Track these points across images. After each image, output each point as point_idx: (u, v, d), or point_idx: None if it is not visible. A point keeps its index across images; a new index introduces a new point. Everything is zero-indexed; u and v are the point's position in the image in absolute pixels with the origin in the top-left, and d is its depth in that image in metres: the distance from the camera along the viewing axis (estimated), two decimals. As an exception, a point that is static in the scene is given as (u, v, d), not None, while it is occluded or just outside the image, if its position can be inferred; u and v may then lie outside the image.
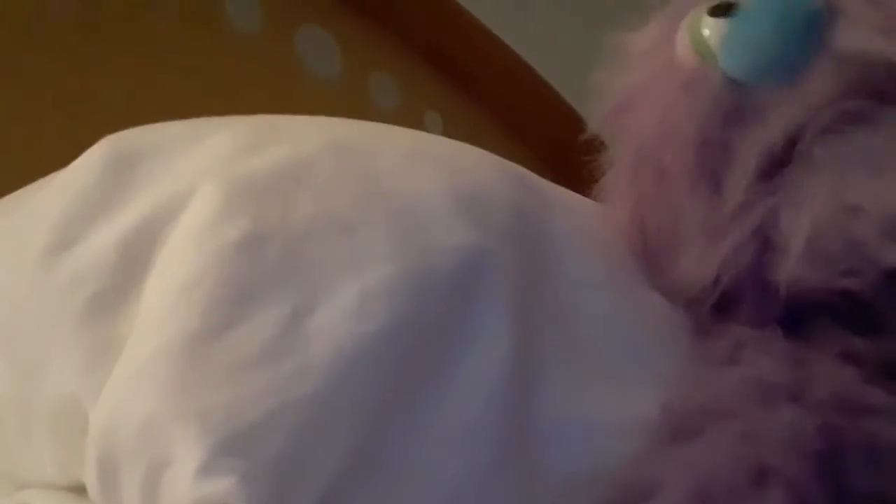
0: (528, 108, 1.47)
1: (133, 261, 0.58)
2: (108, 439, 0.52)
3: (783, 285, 0.61)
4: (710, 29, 0.66)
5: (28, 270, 0.60)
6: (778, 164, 0.63)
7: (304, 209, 0.58)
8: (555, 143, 1.41)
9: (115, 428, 0.52)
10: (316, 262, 0.56)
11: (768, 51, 0.65)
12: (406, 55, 1.40)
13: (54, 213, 0.61)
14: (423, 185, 0.62)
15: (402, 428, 0.53)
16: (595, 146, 0.75)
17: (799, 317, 0.62)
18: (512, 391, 0.56)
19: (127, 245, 0.59)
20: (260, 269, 0.55)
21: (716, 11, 0.67)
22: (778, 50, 0.65)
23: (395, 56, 1.39)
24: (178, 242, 0.58)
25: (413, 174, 0.63)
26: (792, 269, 0.60)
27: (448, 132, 1.34)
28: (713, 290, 0.64)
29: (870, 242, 0.59)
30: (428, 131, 1.33)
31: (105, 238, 0.59)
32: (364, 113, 0.76)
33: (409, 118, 1.33)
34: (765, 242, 0.62)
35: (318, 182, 0.60)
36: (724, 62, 0.65)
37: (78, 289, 0.58)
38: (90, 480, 0.54)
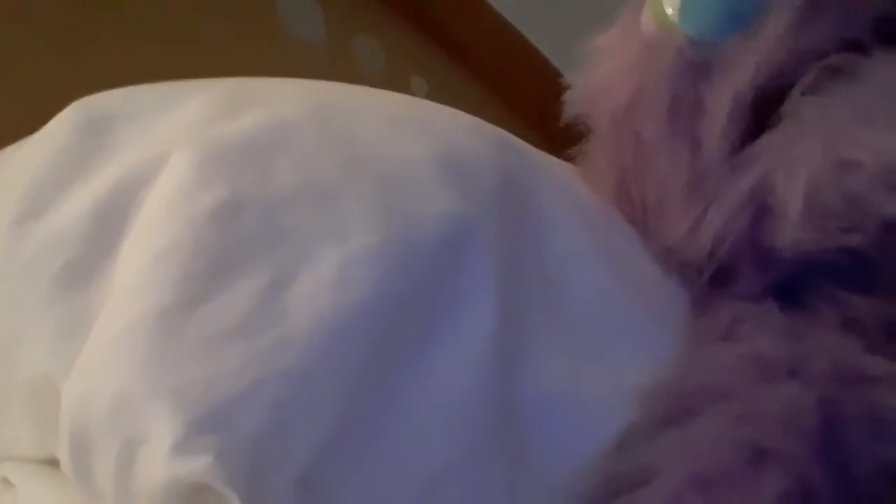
0: (515, 72, 1.46)
1: (106, 229, 0.56)
2: (80, 416, 0.51)
3: (784, 249, 0.60)
4: (670, 3, 0.67)
5: None
6: (754, 119, 0.63)
7: (283, 175, 0.56)
8: (541, 107, 1.40)
9: (87, 404, 0.50)
10: (295, 230, 0.54)
11: (722, 4, 0.66)
12: (390, 19, 1.39)
13: (23, 182, 0.59)
14: (407, 150, 0.60)
15: (386, 401, 0.52)
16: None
17: (797, 284, 0.61)
18: (498, 364, 0.54)
19: (99, 213, 0.57)
20: (237, 238, 0.53)
21: None
22: (731, 2, 0.65)
23: (380, 20, 1.38)
24: (152, 210, 0.56)
25: (396, 139, 0.61)
26: (791, 231, 0.59)
27: (434, 97, 1.33)
28: (710, 261, 0.63)
29: (868, 195, 0.58)
30: (413, 96, 1.32)
31: (76, 206, 0.57)
32: (348, 78, 0.74)
33: (394, 83, 1.32)
34: (760, 208, 0.61)
35: (297, 147, 0.58)
36: (683, 24, 0.66)
37: (49, 258, 0.56)
38: (63, 457, 0.53)
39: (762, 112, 0.64)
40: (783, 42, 0.63)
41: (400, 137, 0.61)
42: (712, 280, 0.64)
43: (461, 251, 0.56)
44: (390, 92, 0.71)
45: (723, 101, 0.64)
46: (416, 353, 0.53)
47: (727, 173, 0.63)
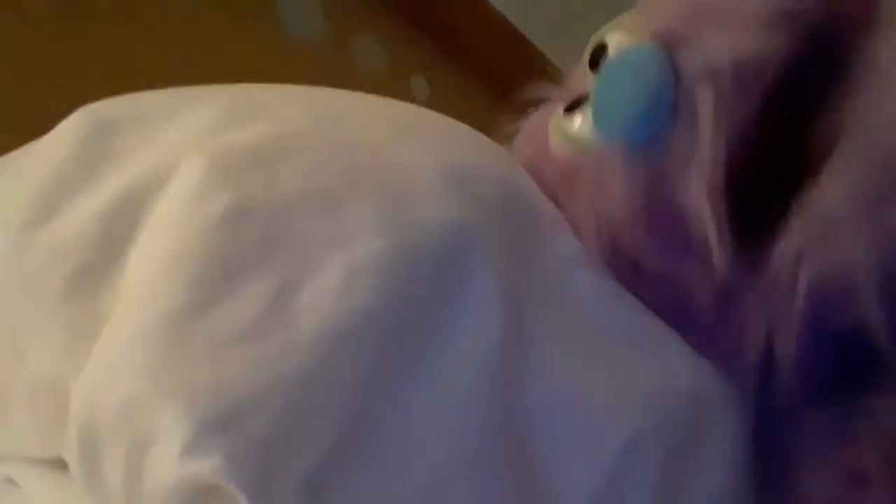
0: (515, 71, 1.46)
1: (115, 234, 0.57)
2: (89, 417, 0.51)
3: (872, 324, 0.58)
4: (575, 125, 0.67)
5: (4, 247, 0.58)
6: (750, 205, 0.61)
7: (290, 183, 0.57)
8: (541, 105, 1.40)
9: (97, 406, 0.51)
10: (302, 236, 0.55)
11: (638, 102, 0.63)
12: (390, 18, 1.39)
13: (30, 188, 0.59)
14: (412, 159, 0.60)
15: (392, 406, 0.52)
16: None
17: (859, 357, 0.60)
18: (503, 369, 0.55)
19: (108, 218, 0.57)
20: (245, 244, 0.54)
21: (571, 107, 0.67)
22: (646, 96, 0.62)
23: (380, 19, 1.38)
24: (161, 216, 0.56)
25: (401, 148, 0.62)
26: (876, 309, 0.58)
27: (434, 96, 1.33)
28: (767, 367, 0.61)
29: None
30: (414, 95, 1.32)
31: (85, 211, 0.58)
32: (349, 77, 0.74)
33: (394, 82, 1.32)
34: (822, 302, 0.59)
35: (303, 155, 0.59)
36: (604, 138, 0.64)
37: (57, 264, 0.56)
38: (71, 459, 0.53)
39: (762, 195, 0.61)
40: (725, 116, 0.60)
41: (405, 146, 0.62)
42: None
43: (466, 258, 0.57)
44: (395, 101, 0.72)
45: (701, 199, 0.60)
46: (423, 358, 0.54)
47: (769, 278, 0.60)
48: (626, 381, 0.59)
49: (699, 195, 0.60)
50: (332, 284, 0.53)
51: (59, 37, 1.04)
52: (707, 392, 0.63)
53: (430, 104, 0.72)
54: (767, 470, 0.64)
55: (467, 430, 0.53)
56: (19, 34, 1.01)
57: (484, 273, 0.57)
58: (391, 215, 0.56)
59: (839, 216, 0.59)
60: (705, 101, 0.61)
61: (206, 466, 0.47)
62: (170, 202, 0.56)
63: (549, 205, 0.66)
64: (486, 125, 0.72)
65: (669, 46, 0.63)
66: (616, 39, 0.67)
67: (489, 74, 1.43)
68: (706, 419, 0.63)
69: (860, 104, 0.60)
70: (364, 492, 0.51)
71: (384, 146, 0.61)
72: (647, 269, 0.63)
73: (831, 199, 0.59)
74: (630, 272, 0.64)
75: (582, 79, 0.69)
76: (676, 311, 0.63)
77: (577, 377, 0.58)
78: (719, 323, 0.63)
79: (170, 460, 0.48)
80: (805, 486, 0.61)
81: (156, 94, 0.66)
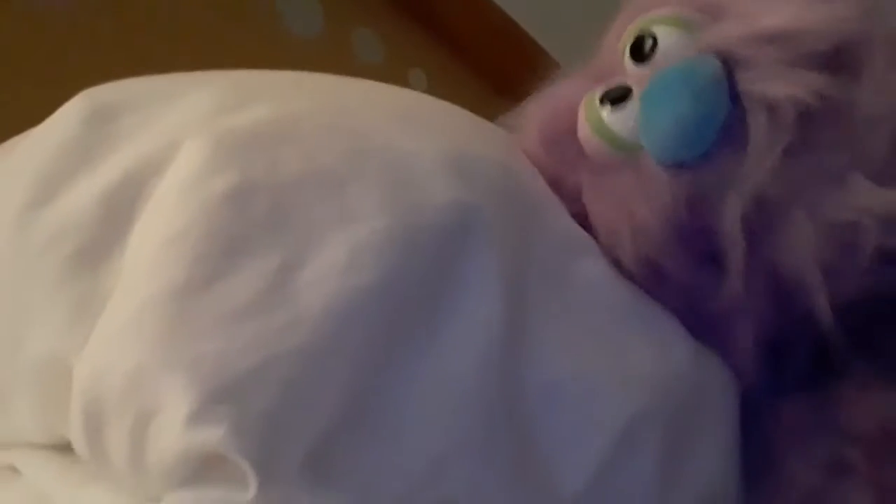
0: (514, 65, 1.46)
1: (116, 215, 0.57)
2: (93, 390, 0.52)
3: (821, 309, 0.61)
4: (617, 121, 0.65)
5: (6, 228, 0.58)
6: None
7: (292, 163, 0.57)
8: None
9: (101, 379, 0.51)
10: (305, 215, 0.55)
11: (694, 122, 0.62)
12: (390, 11, 1.39)
13: (31, 170, 0.59)
14: (413, 143, 0.61)
15: (393, 383, 0.53)
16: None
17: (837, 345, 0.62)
18: (504, 348, 0.55)
19: (110, 199, 0.57)
20: (248, 222, 0.54)
21: (612, 99, 0.66)
22: (703, 117, 0.62)
23: (379, 12, 1.38)
24: (163, 195, 0.56)
25: (403, 132, 0.62)
26: (820, 296, 0.60)
27: (433, 89, 1.33)
28: (760, 361, 0.63)
29: (868, 243, 0.60)
30: (413, 89, 1.32)
31: (86, 193, 0.58)
32: (347, 70, 0.74)
33: (393, 75, 1.32)
34: (777, 291, 0.62)
35: (305, 138, 0.59)
36: (650, 150, 0.63)
37: (59, 244, 0.56)
38: (76, 434, 0.53)
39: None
40: (773, 148, 0.61)
41: (406, 130, 0.62)
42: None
43: (466, 238, 0.57)
44: (397, 87, 0.72)
45: (733, 223, 0.61)
46: (423, 335, 0.54)
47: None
48: (626, 363, 0.59)
49: (734, 223, 0.61)
50: (334, 262, 0.53)
51: (62, 38, 1.04)
52: (705, 374, 0.64)
53: (430, 98, 0.72)
54: (748, 454, 0.65)
55: (468, 408, 0.54)
56: (23, 33, 1.01)
57: (485, 254, 0.57)
58: (393, 196, 0.57)
59: (780, 207, 0.61)
60: (761, 132, 0.61)
61: (212, 436, 0.48)
62: (172, 182, 0.57)
63: (549, 191, 0.66)
64: (485, 118, 0.72)
65: (728, 64, 0.62)
66: (667, 36, 0.66)
67: (488, 68, 1.43)
68: (704, 400, 0.64)
69: None
70: (367, 463, 0.51)
71: (386, 130, 0.61)
72: (667, 275, 0.64)
73: (786, 210, 0.61)
74: (651, 275, 0.64)
75: (618, 61, 0.68)
76: (687, 313, 0.64)
77: (577, 358, 0.58)
78: (723, 325, 0.64)
79: (175, 430, 0.48)
80: (785, 473, 0.63)
81: (156, 78, 0.67)
